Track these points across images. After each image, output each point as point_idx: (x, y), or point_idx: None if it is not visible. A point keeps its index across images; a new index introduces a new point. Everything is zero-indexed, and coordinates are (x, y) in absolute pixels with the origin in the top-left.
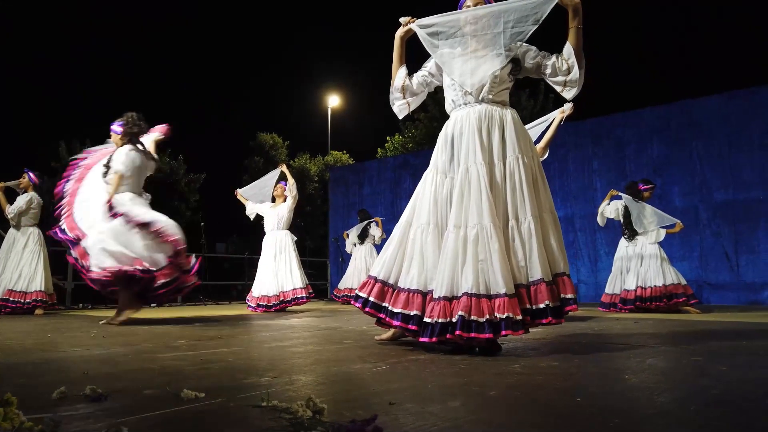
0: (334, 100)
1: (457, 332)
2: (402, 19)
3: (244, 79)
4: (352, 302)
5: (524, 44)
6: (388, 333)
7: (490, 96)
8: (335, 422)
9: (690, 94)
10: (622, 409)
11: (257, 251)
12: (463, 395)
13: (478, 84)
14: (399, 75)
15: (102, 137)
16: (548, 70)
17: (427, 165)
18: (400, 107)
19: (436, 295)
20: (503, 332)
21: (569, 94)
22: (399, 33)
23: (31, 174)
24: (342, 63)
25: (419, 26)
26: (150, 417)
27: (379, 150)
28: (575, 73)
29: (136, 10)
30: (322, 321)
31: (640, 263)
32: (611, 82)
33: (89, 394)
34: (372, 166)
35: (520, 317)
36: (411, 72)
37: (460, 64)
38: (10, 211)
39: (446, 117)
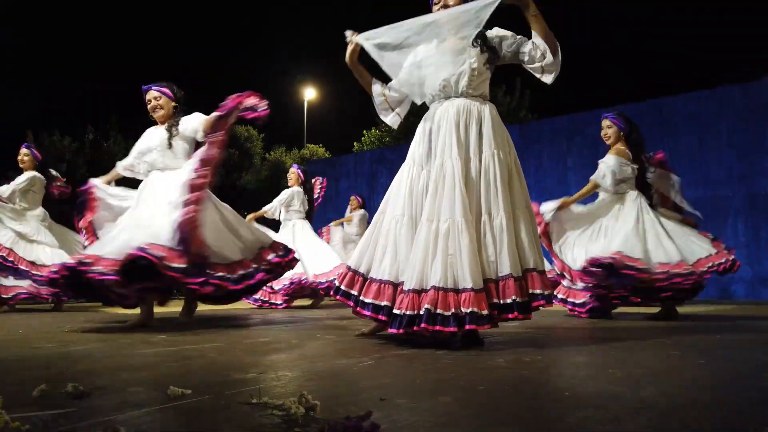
0: (310, 93)
1: (423, 324)
2: (347, 35)
3: (218, 69)
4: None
5: (500, 31)
6: (369, 327)
7: (470, 90)
8: (329, 419)
9: (661, 92)
10: (609, 401)
11: None
12: (452, 390)
13: (430, 94)
14: (375, 93)
15: (69, 128)
16: (526, 57)
17: (403, 160)
18: (392, 120)
19: (406, 287)
20: (467, 326)
21: (548, 78)
22: (348, 54)
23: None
24: (318, 55)
25: (365, 38)
26: (140, 415)
27: (355, 144)
28: (549, 57)
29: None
30: (302, 315)
31: None
32: (586, 80)
33: (72, 392)
34: (349, 160)
35: (485, 312)
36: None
37: (406, 74)
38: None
39: (422, 110)
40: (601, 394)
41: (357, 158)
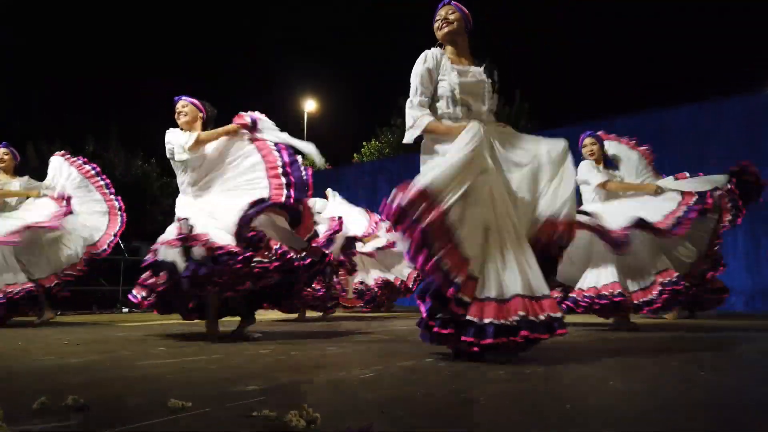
0: (310, 105)
1: (523, 332)
2: None
3: (217, 80)
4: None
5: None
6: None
7: (491, 116)
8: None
9: (661, 104)
10: (611, 414)
11: None
12: (453, 403)
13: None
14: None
15: (70, 138)
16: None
17: (403, 171)
18: None
19: (481, 296)
20: (558, 331)
21: None
22: None
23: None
24: (318, 67)
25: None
26: (141, 427)
27: (355, 155)
28: None
29: (102, 9)
30: (303, 327)
31: None
32: (584, 91)
33: (72, 404)
34: (349, 172)
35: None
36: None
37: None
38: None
39: None
40: (602, 407)
41: (357, 169)
